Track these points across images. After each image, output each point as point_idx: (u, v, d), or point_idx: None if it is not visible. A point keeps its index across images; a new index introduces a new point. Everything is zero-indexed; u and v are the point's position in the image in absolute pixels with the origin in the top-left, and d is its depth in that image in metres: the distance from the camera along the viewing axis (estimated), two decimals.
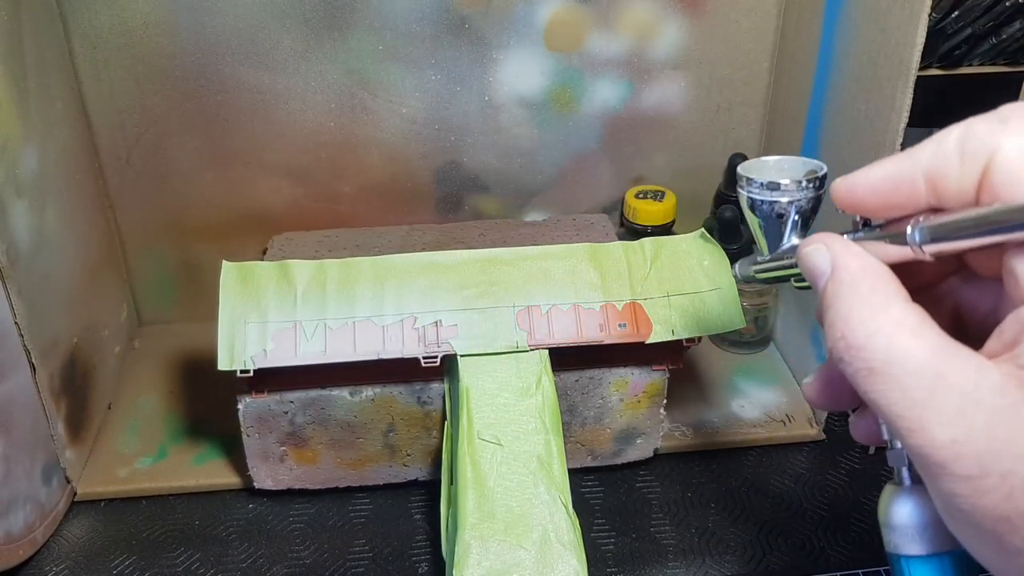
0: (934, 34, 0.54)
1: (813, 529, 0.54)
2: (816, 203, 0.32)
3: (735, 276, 0.37)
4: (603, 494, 0.56)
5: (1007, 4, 0.54)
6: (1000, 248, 0.23)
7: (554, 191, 0.70)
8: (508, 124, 0.67)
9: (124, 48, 0.61)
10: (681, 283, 0.52)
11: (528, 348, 0.50)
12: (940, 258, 0.25)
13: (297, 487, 0.55)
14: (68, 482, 0.56)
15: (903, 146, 0.51)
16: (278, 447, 0.53)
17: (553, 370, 0.50)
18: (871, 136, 0.52)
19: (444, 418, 0.52)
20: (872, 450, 0.60)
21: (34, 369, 0.52)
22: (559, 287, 0.51)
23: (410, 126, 0.66)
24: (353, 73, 0.63)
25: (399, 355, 0.49)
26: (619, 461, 0.57)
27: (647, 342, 0.51)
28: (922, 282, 0.29)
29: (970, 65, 0.58)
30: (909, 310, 0.24)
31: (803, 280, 0.29)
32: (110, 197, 0.66)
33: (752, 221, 0.33)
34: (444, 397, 0.52)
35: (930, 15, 0.47)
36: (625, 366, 0.53)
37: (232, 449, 0.58)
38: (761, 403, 0.63)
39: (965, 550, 0.26)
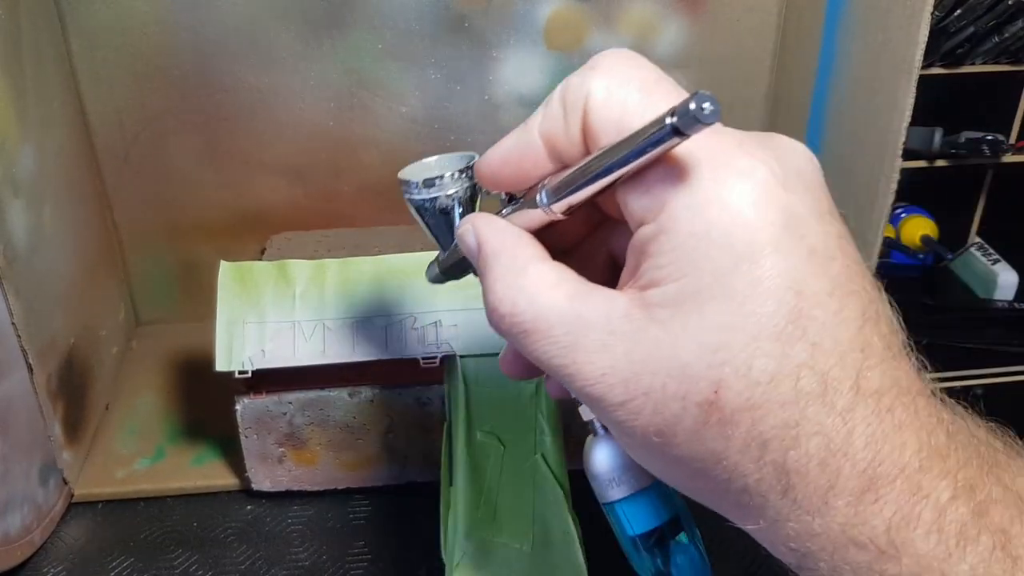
0: (936, 33, 0.54)
1: None
2: (474, 192, 0.33)
3: (428, 279, 0.37)
4: None
5: (1009, 3, 0.54)
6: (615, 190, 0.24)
7: None
8: (508, 123, 0.66)
9: (122, 47, 0.60)
10: None
11: None
12: (577, 212, 0.26)
13: (296, 488, 0.55)
14: (65, 483, 0.56)
15: (906, 145, 0.50)
16: (276, 448, 0.53)
17: None
18: (874, 135, 0.51)
19: (444, 419, 0.52)
20: None
21: (31, 370, 0.51)
22: None
23: (410, 125, 0.66)
24: (352, 72, 0.63)
25: (399, 355, 0.49)
26: None
27: None
28: (577, 238, 0.30)
29: (972, 64, 0.58)
30: (546, 268, 0.25)
31: None
32: (108, 196, 0.66)
33: (422, 223, 0.34)
34: (444, 398, 0.52)
35: (932, 14, 0.47)
36: None
37: (230, 450, 0.58)
38: None
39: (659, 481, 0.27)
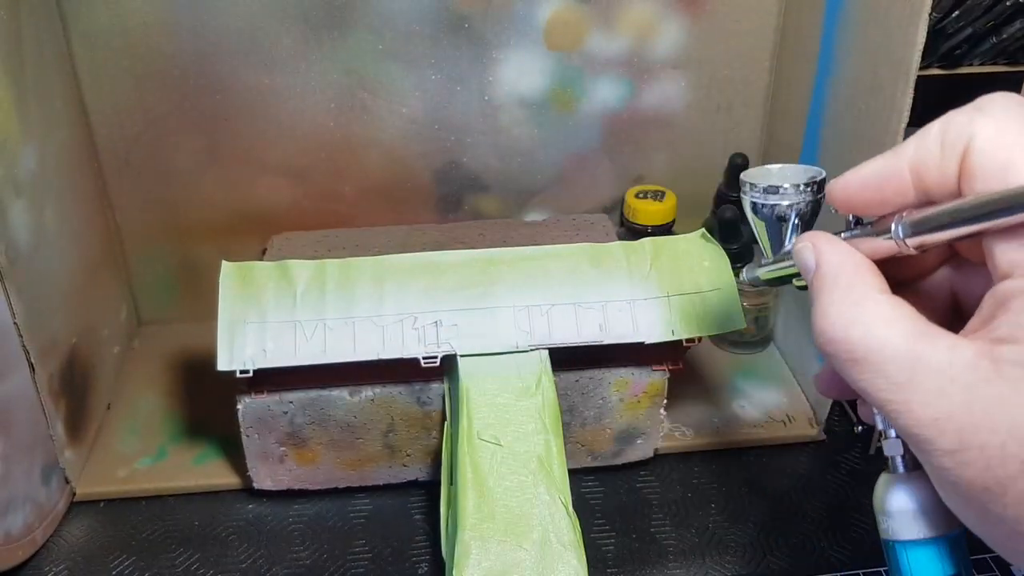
0: (934, 34, 0.54)
1: (813, 529, 0.54)
2: (816, 206, 0.33)
3: (743, 280, 0.39)
4: (603, 494, 0.56)
5: (1007, 3, 0.54)
6: (981, 235, 0.24)
7: (554, 191, 0.70)
8: (508, 124, 0.67)
9: (123, 48, 0.61)
10: (681, 283, 0.52)
11: (528, 348, 0.50)
12: (930, 249, 0.26)
13: (297, 487, 0.55)
14: (67, 482, 0.56)
15: None
16: (278, 447, 0.53)
17: (553, 370, 0.50)
18: (872, 136, 0.52)
19: (444, 418, 0.52)
20: (872, 450, 0.60)
21: (33, 369, 0.52)
22: (559, 287, 0.51)
23: (410, 126, 0.66)
24: (353, 73, 0.63)
25: (399, 355, 0.49)
26: (619, 461, 0.57)
27: (647, 342, 0.51)
28: (920, 272, 0.30)
29: (971, 65, 0.58)
30: (885, 301, 0.25)
31: (803, 279, 0.30)
32: (109, 197, 0.66)
33: (756, 225, 0.35)
34: (444, 397, 0.52)
35: (930, 14, 0.47)
36: (625, 366, 0.53)
37: (231, 449, 0.58)
38: (761, 403, 0.63)
39: (959, 533, 0.27)
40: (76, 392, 0.58)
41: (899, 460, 0.29)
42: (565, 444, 0.49)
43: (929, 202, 0.25)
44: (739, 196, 0.35)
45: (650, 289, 0.52)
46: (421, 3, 0.61)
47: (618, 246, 0.53)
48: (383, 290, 0.50)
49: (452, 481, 0.47)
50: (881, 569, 0.51)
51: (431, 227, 0.63)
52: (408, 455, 0.55)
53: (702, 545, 0.53)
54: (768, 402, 0.63)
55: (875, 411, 0.29)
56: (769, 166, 0.35)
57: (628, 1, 0.63)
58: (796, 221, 0.33)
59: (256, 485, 0.55)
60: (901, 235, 0.26)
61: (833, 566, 0.51)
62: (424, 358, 0.49)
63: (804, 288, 0.32)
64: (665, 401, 0.55)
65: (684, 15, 0.64)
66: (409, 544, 0.53)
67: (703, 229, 0.55)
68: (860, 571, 0.51)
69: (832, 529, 0.54)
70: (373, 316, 0.49)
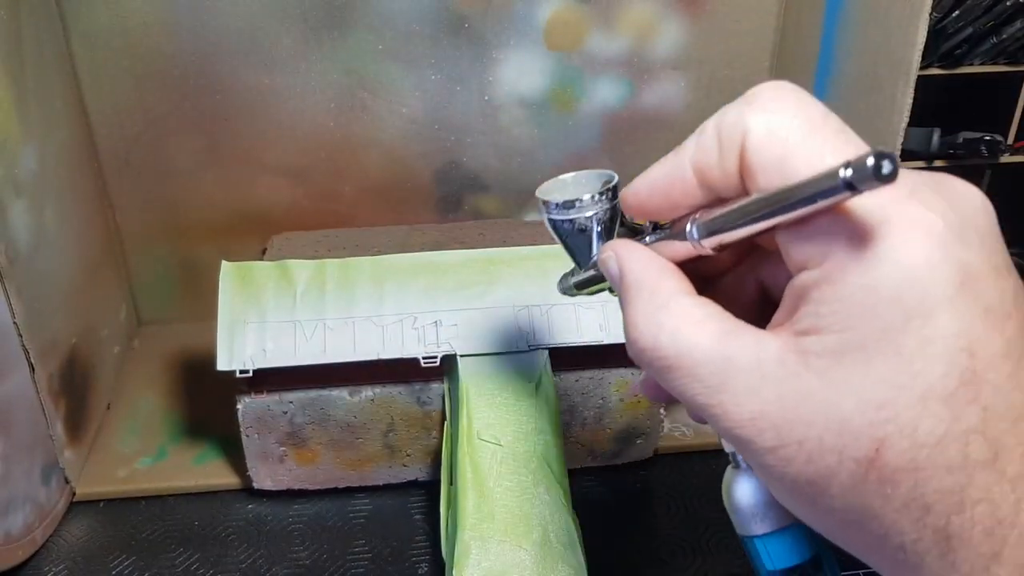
0: (935, 33, 0.54)
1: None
2: (613, 212, 0.33)
3: (560, 291, 0.38)
4: (603, 494, 0.56)
5: (1007, 3, 0.54)
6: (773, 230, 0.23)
7: None
8: (508, 124, 0.67)
9: (123, 48, 0.61)
10: None
11: (528, 348, 0.50)
12: (729, 247, 0.25)
13: (296, 487, 0.55)
14: (67, 482, 0.56)
15: (904, 146, 0.51)
16: (277, 447, 0.53)
17: (553, 370, 0.50)
18: (872, 136, 0.52)
19: (444, 418, 0.52)
20: None
21: (33, 369, 0.52)
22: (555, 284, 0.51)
23: (410, 126, 0.66)
24: (353, 73, 0.63)
25: (398, 355, 0.49)
26: (619, 461, 0.57)
27: None
28: (725, 268, 0.29)
29: (971, 64, 0.58)
30: (691, 303, 0.25)
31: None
32: (109, 197, 0.66)
33: (559, 241, 0.34)
34: (444, 397, 0.52)
35: (931, 14, 0.47)
36: (625, 366, 0.53)
37: (231, 449, 0.58)
38: None
39: None
40: (76, 392, 0.58)
41: (738, 456, 0.29)
42: (565, 444, 0.49)
43: (719, 200, 0.25)
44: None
45: None
46: (421, 3, 0.61)
47: None
48: (383, 290, 0.50)
49: (452, 481, 0.47)
50: None
51: (431, 227, 0.63)
52: (408, 455, 0.55)
53: (702, 545, 0.53)
54: None
55: None
56: (563, 176, 0.35)
57: (628, 1, 0.63)
58: (599, 229, 0.33)
59: (256, 485, 0.55)
60: (696, 237, 0.25)
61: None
62: (424, 358, 0.49)
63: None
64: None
65: (684, 15, 0.64)
66: (409, 544, 0.53)
67: None
68: (860, 571, 0.51)
69: None
70: (373, 316, 0.49)
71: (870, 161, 0.19)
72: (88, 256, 0.62)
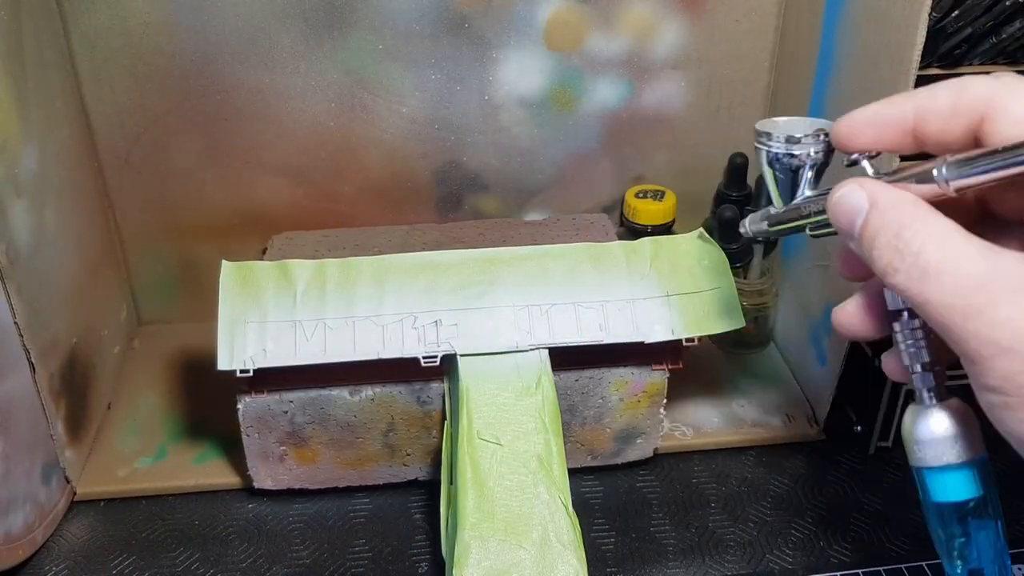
0: (934, 33, 0.54)
1: (813, 529, 0.54)
2: (828, 157, 0.35)
3: (745, 233, 0.40)
4: (603, 494, 0.56)
5: (1007, 3, 0.54)
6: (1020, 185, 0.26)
7: (554, 190, 0.70)
8: (508, 123, 0.67)
9: (124, 48, 0.61)
10: (680, 282, 0.52)
11: (528, 348, 0.50)
12: (958, 205, 0.27)
13: (297, 487, 0.55)
14: (68, 482, 0.56)
15: None
16: (278, 447, 0.53)
17: (553, 370, 0.50)
18: None
19: (444, 418, 0.52)
20: (872, 449, 0.60)
21: (34, 369, 0.52)
22: (559, 287, 0.51)
23: (410, 125, 0.66)
24: (353, 72, 0.63)
25: (399, 355, 0.49)
26: (619, 461, 0.57)
27: (647, 342, 0.51)
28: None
29: (970, 64, 0.58)
30: (951, 221, 0.27)
31: (819, 228, 0.33)
32: (110, 197, 0.66)
33: (769, 176, 0.36)
34: (444, 397, 0.52)
35: (930, 14, 0.47)
36: (625, 366, 0.53)
37: (232, 449, 0.58)
38: (761, 403, 0.63)
39: (984, 458, 0.30)
40: (76, 392, 0.58)
41: (926, 393, 0.31)
42: (565, 444, 0.49)
43: (922, 153, 0.28)
44: (754, 150, 0.36)
45: (650, 288, 0.52)
46: (421, 3, 0.61)
47: (617, 246, 0.53)
48: (383, 290, 0.50)
49: (452, 480, 0.47)
50: (880, 568, 0.51)
51: (431, 227, 0.63)
52: (408, 454, 0.55)
53: (702, 545, 0.53)
54: (768, 402, 0.64)
55: (904, 343, 0.31)
56: (775, 118, 0.36)
57: (628, 1, 0.63)
58: (810, 172, 0.35)
59: (256, 485, 0.55)
60: (945, 176, 0.27)
61: (833, 566, 0.51)
62: (424, 358, 0.49)
63: (819, 235, 0.34)
64: (665, 401, 0.55)
65: (684, 15, 0.64)
66: (409, 543, 0.53)
67: (701, 229, 0.55)
68: (860, 571, 0.51)
69: (832, 529, 0.54)
70: (373, 316, 0.49)
71: None
72: (88, 256, 0.63)
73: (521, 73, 0.65)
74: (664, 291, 0.52)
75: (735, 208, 0.64)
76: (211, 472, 0.58)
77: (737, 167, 0.68)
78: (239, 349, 0.48)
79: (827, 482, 0.57)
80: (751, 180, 0.69)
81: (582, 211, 0.71)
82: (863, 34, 0.53)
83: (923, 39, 0.47)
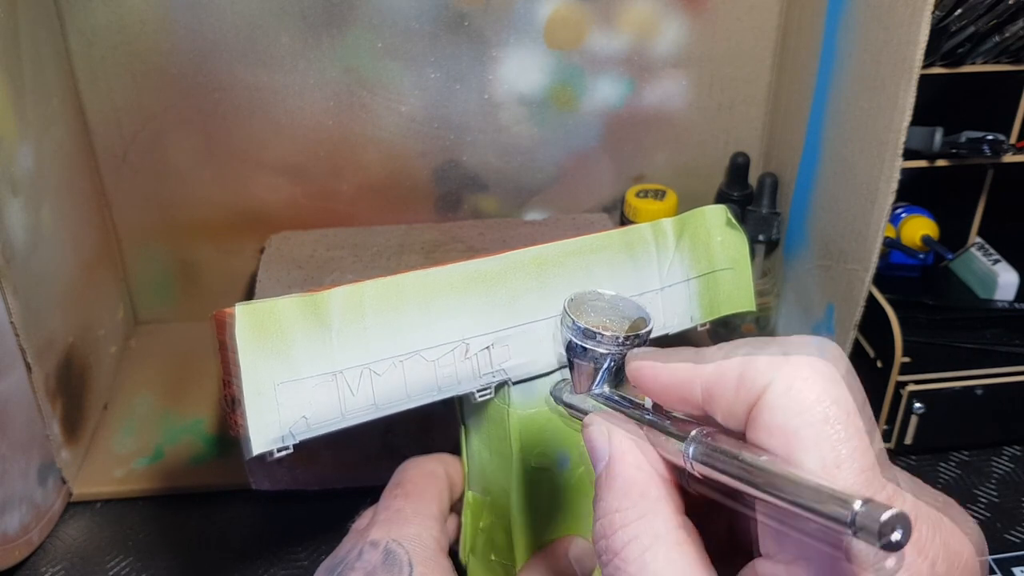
0: (937, 32, 0.54)
1: None
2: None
3: (550, 394, 0.36)
4: None
5: (1010, 2, 0.54)
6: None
7: (554, 190, 0.70)
8: (508, 122, 0.66)
9: (121, 45, 0.60)
10: (698, 263, 0.50)
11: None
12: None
13: (295, 488, 0.55)
14: (64, 483, 0.55)
15: (906, 145, 0.50)
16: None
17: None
18: (873, 134, 0.51)
19: (443, 417, 0.51)
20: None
21: (29, 369, 0.51)
22: (600, 286, 0.48)
23: (409, 124, 0.66)
24: (351, 71, 0.63)
25: (454, 393, 0.43)
26: None
27: (670, 334, 0.49)
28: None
29: (973, 63, 0.57)
30: (671, 525, 0.24)
31: None
32: (106, 195, 0.66)
33: (566, 356, 0.33)
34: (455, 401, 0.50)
35: (933, 13, 0.47)
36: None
37: (229, 450, 0.58)
38: None
39: None
40: (72, 392, 0.58)
41: None
42: None
43: (723, 426, 0.24)
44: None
45: (675, 274, 0.49)
46: (420, 1, 0.61)
47: (648, 228, 0.48)
48: (430, 313, 0.42)
49: (469, 485, 0.47)
50: None
51: (430, 226, 0.63)
52: (407, 455, 0.54)
53: None
54: None
55: None
56: (602, 291, 0.33)
57: None
58: (608, 370, 0.31)
59: (254, 486, 0.54)
60: (692, 455, 0.24)
61: None
62: (479, 391, 0.43)
63: None
64: None
65: (685, 13, 0.64)
66: None
67: (725, 205, 0.52)
68: None
69: None
70: (423, 350, 0.42)
71: (885, 517, 0.18)
72: (85, 255, 0.62)
73: (521, 71, 0.65)
74: (686, 275, 0.50)
75: (736, 208, 0.64)
76: (208, 473, 0.57)
77: (739, 166, 0.68)
78: (273, 423, 0.39)
79: None
80: (753, 180, 0.68)
81: (582, 211, 0.70)
82: (865, 32, 0.52)
83: (926, 37, 0.47)
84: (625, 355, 0.30)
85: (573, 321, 0.32)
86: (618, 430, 0.27)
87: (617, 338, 0.31)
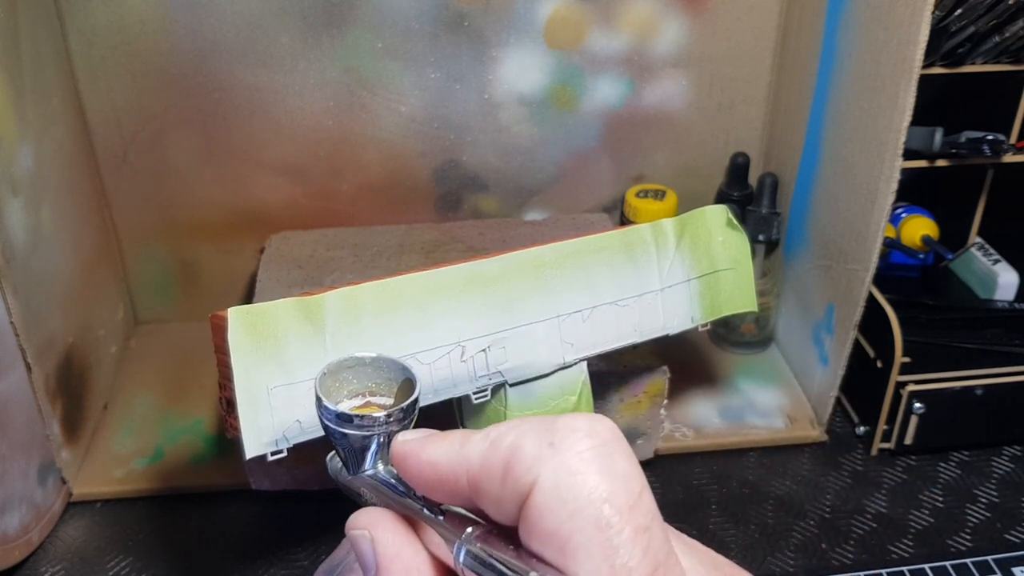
0: (937, 32, 0.54)
1: (815, 531, 0.54)
2: (403, 427, 0.27)
3: (327, 463, 0.33)
4: None
5: (1010, 2, 0.54)
6: None
7: (554, 190, 0.70)
8: (508, 122, 0.66)
9: (121, 45, 0.60)
10: (699, 264, 0.50)
11: (574, 361, 0.47)
12: None
13: (295, 488, 0.55)
14: (64, 483, 0.55)
15: (906, 145, 0.50)
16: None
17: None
18: (873, 134, 0.51)
19: (445, 419, 0.51)
20: (875, 451, 0.59)
21: (30, 369, 0.51)
22: (599, 287, 0.48)
23: (409, 124, 0.66)
24: (351, 71, 0.63)
25: (451, 396, 0.43)
26: None
27: (671, 334, 0.49)
28: None
29: (973, 63, 0.57)
30: None
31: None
32: (106, 195, 0.66)
33: (332, 441, 0.29)
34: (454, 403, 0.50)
35: (933, 13, 0.47)
36: (625, 365, 0.53)
37: (229, 450, 0.58)
38: (762, 403, 0.63)
39: None
40: (72, 392, 0.58)
41: None
42: None
43: (494, 521, 0.23)
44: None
45: (675, 275, 0.49)
46: (420, 1, 0.61)
47: (648, 229, 0.49)
48: (426, 314, 0.43)
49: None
50: (883, 571, 0.51)
51: (430, 226, 0.63)
52: None
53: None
54: (769, 402, 0.63)
55: None
56: (361, 354, 0.29)
57: None
58: (381, 441, 0.27)
59: (254, 486, 0.54)
60: (462, 560, 0.23)
61: (835, 568, 0.51)
62: (475, 393, 0.44)
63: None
64: (666, 401, 0.55)
65: (685, 13, 0.64)
66: None
67: (726, 206, 0.51)
68: (861, 573, 0.51)
69: (833, 531, 0.53)
70: (420, 352, 0.42)
71: None
72: (85, 255, 0.62)
73: (521, 71, 0.64)
74: (686, 276, 0.50)
75: (736, 208, 0.64)
76: (208, 473, 0.57)
77: (739, 166, 0.68)
78: (266, 427, 0.39)
79: (829, 484, 0.57)
80: (753, 180, 0.68)
81: (582, 211, 0.70)
82: (865, 32, 0.52)
83: (926, 37, 0.47)
84: (384, 435, 0.27)
85: (323, 405, 0.27)
86: (384, 530, 0.25)
87: (377, 420, 0.27)
